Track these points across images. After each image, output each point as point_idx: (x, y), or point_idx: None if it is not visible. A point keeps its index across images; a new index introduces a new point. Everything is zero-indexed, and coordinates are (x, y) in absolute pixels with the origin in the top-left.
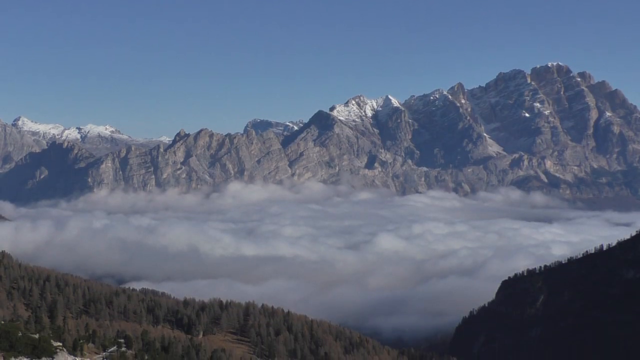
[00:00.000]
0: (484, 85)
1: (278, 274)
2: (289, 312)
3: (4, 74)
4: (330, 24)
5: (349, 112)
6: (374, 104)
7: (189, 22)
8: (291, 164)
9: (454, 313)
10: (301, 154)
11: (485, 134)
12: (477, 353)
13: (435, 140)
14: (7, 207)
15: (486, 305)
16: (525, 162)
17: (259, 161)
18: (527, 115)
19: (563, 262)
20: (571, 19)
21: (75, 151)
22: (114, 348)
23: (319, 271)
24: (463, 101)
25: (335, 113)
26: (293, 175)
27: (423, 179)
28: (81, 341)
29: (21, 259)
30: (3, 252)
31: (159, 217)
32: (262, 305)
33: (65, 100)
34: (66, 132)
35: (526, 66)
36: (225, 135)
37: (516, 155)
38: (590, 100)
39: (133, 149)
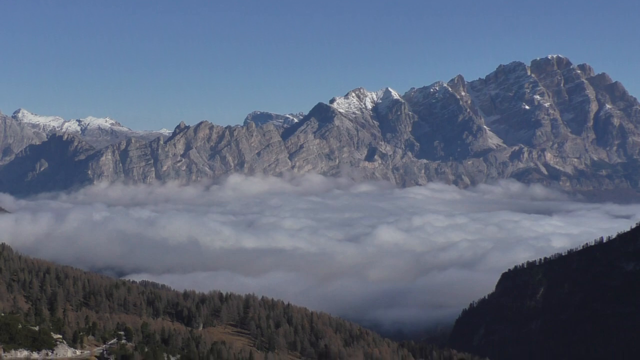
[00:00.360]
0: (483, 78)
1: (278, 266)
2: (289, 304)
3: (4, 66)
4: (330, 17)
5: (349, 105)
6: (374, 96)
7: (190, 14)
8: (291, 156)
9: (454, 305)
10: (301, 146)
11: (485, 126)
12: (477, 345)
13: (435, 132)
14: (7, 200)
15: (486, 297)
16: (525, 155)
17: (259, 153)
18: (527, 107)
19: (563, 254)
20: (571, 11)
21: (75, 143)
22: (114, 340)
23: (319, 263)
24: (463, 93)
25: (335, 105)
26: (293, 167)
27: (423, 171)
28: (81, 333)
29: (21, 251)
30: (3, 245)
31: (159, 210)
32: (262, 297)
33: (65, 93)
34: (66, 124)
35: (526, 58)
36: (225, 128)
37: (516, 148)
38: (590, 92)
39: (133, 141)
